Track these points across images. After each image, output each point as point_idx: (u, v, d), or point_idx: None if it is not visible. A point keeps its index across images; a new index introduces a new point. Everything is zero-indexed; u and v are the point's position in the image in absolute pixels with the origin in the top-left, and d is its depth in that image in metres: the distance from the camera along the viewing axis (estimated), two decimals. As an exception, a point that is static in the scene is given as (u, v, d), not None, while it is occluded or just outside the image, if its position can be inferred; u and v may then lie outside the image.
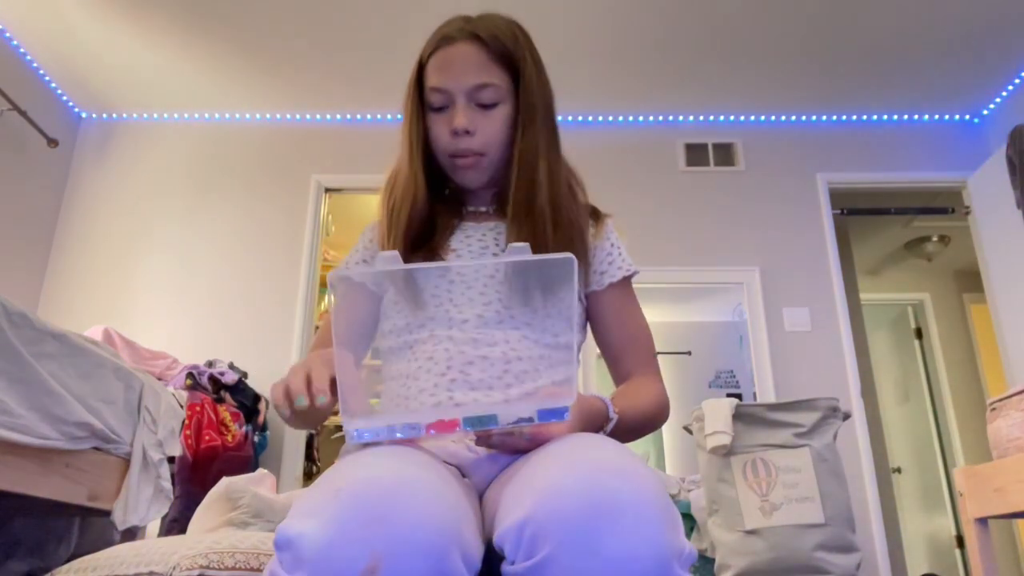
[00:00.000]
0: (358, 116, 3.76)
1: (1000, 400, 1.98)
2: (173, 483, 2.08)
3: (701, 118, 3.80)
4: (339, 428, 4.25)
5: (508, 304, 0.93)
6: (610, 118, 3.78)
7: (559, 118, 1.06)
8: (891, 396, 5.45)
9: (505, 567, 0.60)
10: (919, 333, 5.24)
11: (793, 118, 3.79)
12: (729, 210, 3.64)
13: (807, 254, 3.56)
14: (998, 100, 3.65)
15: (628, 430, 0.89)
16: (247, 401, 2.94)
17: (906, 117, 3.77)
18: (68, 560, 1.80)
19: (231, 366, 3.00)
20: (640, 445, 3.79)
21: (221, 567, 1.11)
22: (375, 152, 3.53)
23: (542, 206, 0.98)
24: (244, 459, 2.72)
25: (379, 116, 3.75)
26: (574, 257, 0.70)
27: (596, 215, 1.09)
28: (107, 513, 1.75)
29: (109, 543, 1.87)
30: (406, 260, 0.96)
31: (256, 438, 2.92)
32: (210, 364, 2.96)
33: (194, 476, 2.44)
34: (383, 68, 3.42)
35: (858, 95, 3.61)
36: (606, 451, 0.65)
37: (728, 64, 3.41)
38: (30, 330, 1.46)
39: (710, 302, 3.83)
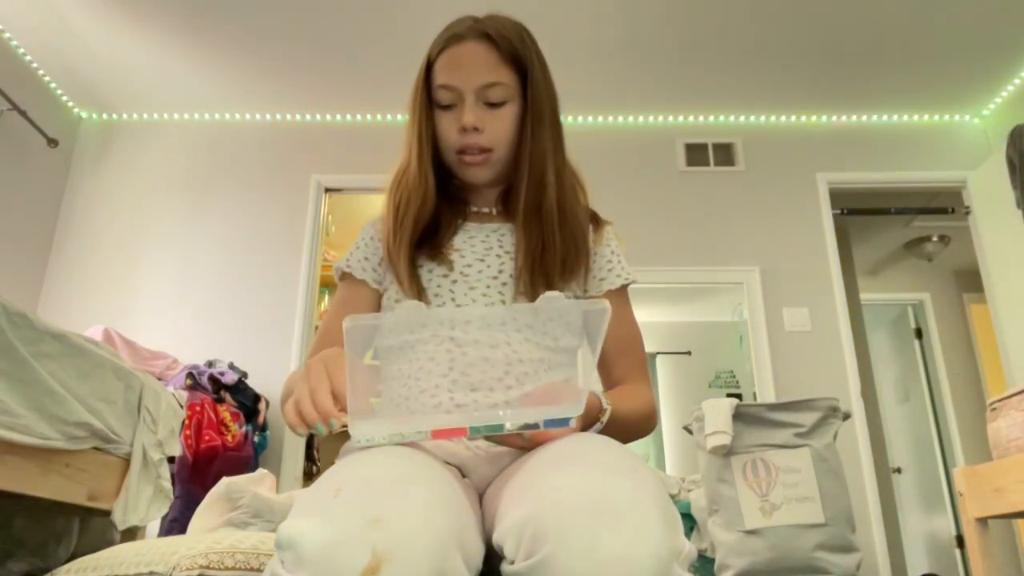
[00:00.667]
0: (358, 116, 3.76)
1: (1000, 400, 1.98)
2: (173, 483, 2.08)
3: (701, 118, 3.80)
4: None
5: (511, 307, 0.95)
6: (610, 118, 3.78)
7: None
8: (891, 396, 5.45)
9: (505, 566, 0.60)
10: (919, 333, 5.24)
11: (793, 118, 3.79)
12: (729, 210, 3.64)
13: (807, 254, 3.56)
14: (998, 100, 3.65)
15: (619, 429, 0.89)
16: (247, 401, 2.94)
17: (906, 117, 3.77)
18: (68, 560, 1.80)
19: (231, 366, 3.00)
20: (640, 445, 3.79)
21: (221, 567, 1.11)
22: (375, 152, 3.53)
23: (550, 206, 1.00)
24: (244, 459, 2.72)
25: (379, 116, 3.75)
26: (609, 306, 0.71)
27: (596, 220, 1.09)
28: (107, 513, 1.75)
29: (109, 543, 1.87)
30: (411, 257, 0.98)
31: (256, 438, 2.92)
32: (210, 364, 2.96)
33: (194, 476, 2.44)
34: (383, 68, 3.42)
35: (858, 95, 3.61)
36: (606, 451, 0.65)
37: (728, 64, 3.41)
38: (30, 330, 1.46)
39: (710, 302, 3.82)
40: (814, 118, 3.79)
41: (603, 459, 0.63)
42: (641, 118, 3.79)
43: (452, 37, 1.00)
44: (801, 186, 3.68)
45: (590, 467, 0.61)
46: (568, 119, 1.08)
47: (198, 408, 2.58)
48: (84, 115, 3.80)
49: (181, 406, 2.45)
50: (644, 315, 1.08)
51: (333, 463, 0.75)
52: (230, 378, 2.88)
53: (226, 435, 2.65)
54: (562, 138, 1.05)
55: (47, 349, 1.50)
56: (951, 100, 3.65)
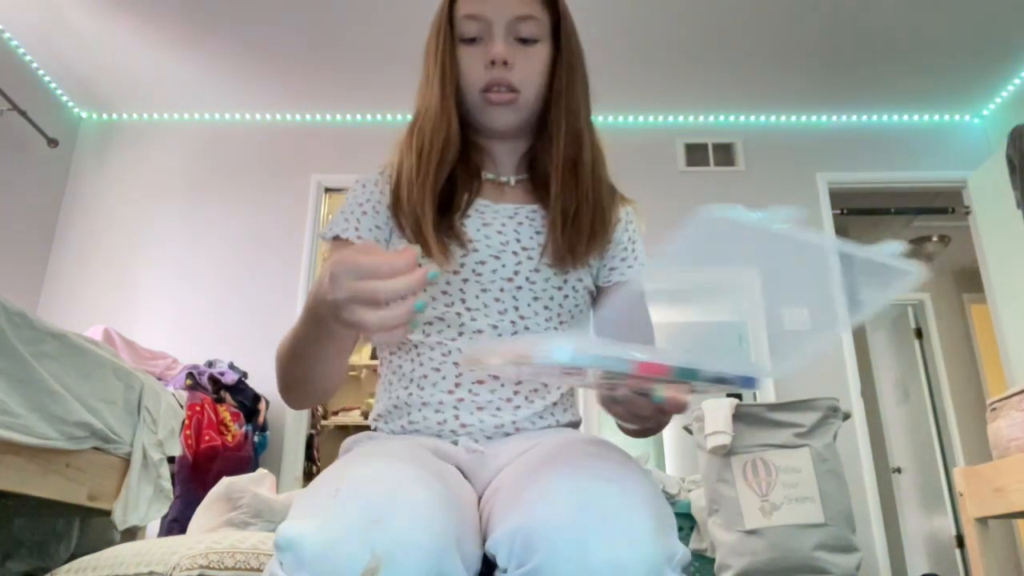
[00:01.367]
0: (358, 116, 3.76)
1: (1000, 400, 1.98)
2: (173, 483, 2.08)
3: (701, 118, 3.79)
4: (339, 428, 4.25)
5: (524, 314, 0.88)
6: (610, 118, 3.78)
7: None
8: (891, 396, 5.44)
9: (498, 574, 0.60)
10: (919, 333, 5.24)
11: (793, 118, 3.79)
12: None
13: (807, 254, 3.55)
14: (998, 100, 3.65)
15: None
16: (247, 401, 2.94)
17: (906, 117, 3.77)
18: (68, 560, 1.80)
19: (231, 366, 3.00)
20: (640, 445, 3.79)
21: (221, 567, 1.11)
22: (375, 152, 3.51)
23: (587, 162, 0.93)
24: (244, 459, 2.72)
25: (379, 116, 3.75)
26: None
27: (615, 194, 1.02)
28: (107, 513, 1.75)
29: (109, 543, 1.87)
30: (436, 205, 0.88)
31: (256, 438, 2.92)
32: (210, 364, 2.96)
33: (194, 476, 2.44)
34: (383, 68, 3.42)
35: (858, 95, 3.61)
36: (597, 457, 0.64)
37: (728, 64, 3.41)
38: (30, 330, 1.46)
39: (710, 302, 3.82)
40: (814, 118, 3.79)
41: (592, 464, 0.62)
42: (641, 118, 3.79)
43: None
44: (801, 186, 3.68)
45: (579, 474, 0.61)
46: (589, 86, 1.00)
47: (198, 408, 2.58)
48: (84, 115, 3.80)
49: (181, 406, 2.45)
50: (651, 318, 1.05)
51: (334, 461, 0.75)
52: (230, 378, 2.88)
53: (226, 435, 2.65)
54: (590, 100, 0.97)
55: (47, 349, 1.50)
56: (951, 100, 3.65)
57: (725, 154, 3.75)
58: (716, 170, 3.72)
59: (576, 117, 0.93)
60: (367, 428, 0.96)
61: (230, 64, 3.41)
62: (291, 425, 3.26)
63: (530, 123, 0.95)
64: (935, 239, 4.76)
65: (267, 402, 3.08)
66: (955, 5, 3.03)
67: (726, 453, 2.26)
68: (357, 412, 4.22)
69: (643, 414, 0.62)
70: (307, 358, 0.76)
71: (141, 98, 3.67)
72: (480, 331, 0.87)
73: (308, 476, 3.47)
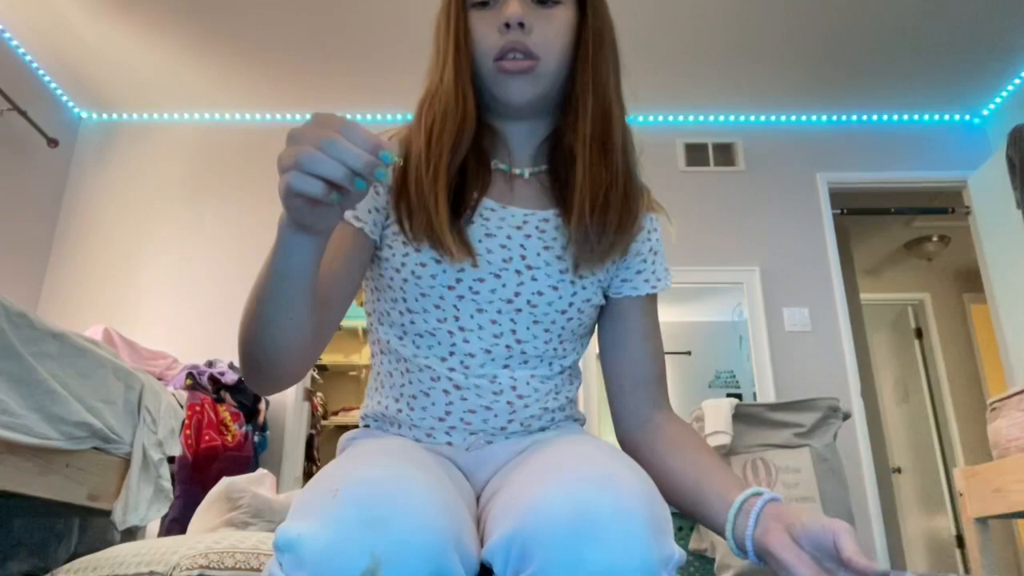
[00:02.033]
0: (358, 116, 3.76)
1: (1000, 400, 1.98)
2: (173, 483, 2.08)
3: (701, 118, 3.80)
4: (339, 428, 4.25)
5: (522, 338, 0.83)
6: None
7: None
8: (891, 396, 5.45)
9: None
10: (919, 333, 5.24)
11: (793, 118, 3.79)
12: (729, 210, 3.64)
13: (807, 254, 3.56)
14: (998, 100, 3.65)
15: None
16: (247, 401, 2.94)
17: (906, 117, 3.77)
18: (68, 560, 1.80)
19: (231, 366, 3.00)
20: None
21: (221, 567, 1.11)
22: (375, 152, 3.52)
23: (617, 142, 0.83)
24: (244, 459, 2.72)
25: (379, 116, 3.75)
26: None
27: (645, 195, 0.92)
28: (107, 513, 1.75)
29: (109, 543, 1.87)
30: (449, 188, 0.79)
31: (256, 438, 2.92)
32: (210, 364, 2.96)
33: (194, 476, 2.44)
34: (383, 68, 3.42)
35: (858, 95, 3.61)
36: (593, 460, 0.63)
37: (728, 64, 3.41)
38: (30, 330, 1.46)
39: (710, 302, 3.82)
40: (814, 118, 3.79)
41: (589, 470, 0.61)
42: (641, 118, 3.79)
43: None
44: (801, 186, 3.68)
45: (573, 479, 0.60)
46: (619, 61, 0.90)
47: (198, 408, 2.58)
48: (84, 115, 3.80)
49: (181, 406, 2.45)
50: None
51: (333, 459, 0.74)
52: (230, 378, 2.88)
53: (226, 435, 2.65)
54: (621, 77, 0.86)
55: (47, 349, 1.50)
56: (951, 100, 3.65)
57: (725, 154, 3.75)
58: (716, 170, 3.72)
59: (605, 90, 0.83)
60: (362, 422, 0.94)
61: (230, 64, 3.42)
62: (291, 425, 3.26)
63: (551, 99, 0.85)
64: (935, 239, 4.76)
65: (267, 402, 3.08)
66: (955, 5, 3.03)
67: (726, 453, 2.26)
68: (357, 412, 4.22)
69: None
70: (270, 293, 0.65)
71: (141, 98, 3.67)
72: (472, 355, 0.81)
73: (308, 476, 3.47)
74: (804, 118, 3.79)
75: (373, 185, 0.78)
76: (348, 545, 0.53)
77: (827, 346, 3.39)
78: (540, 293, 0.82)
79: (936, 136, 3.75)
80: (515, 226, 0.84)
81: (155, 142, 3.76)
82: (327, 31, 3.19)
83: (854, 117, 3.77)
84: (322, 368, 4.49)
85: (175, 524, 2.34)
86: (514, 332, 0.82)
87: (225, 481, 1.63)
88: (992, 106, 3.69)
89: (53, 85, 3.56)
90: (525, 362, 0.83)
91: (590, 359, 3.20)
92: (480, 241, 0.82)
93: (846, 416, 2.33)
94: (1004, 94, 3.60)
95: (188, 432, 2.48)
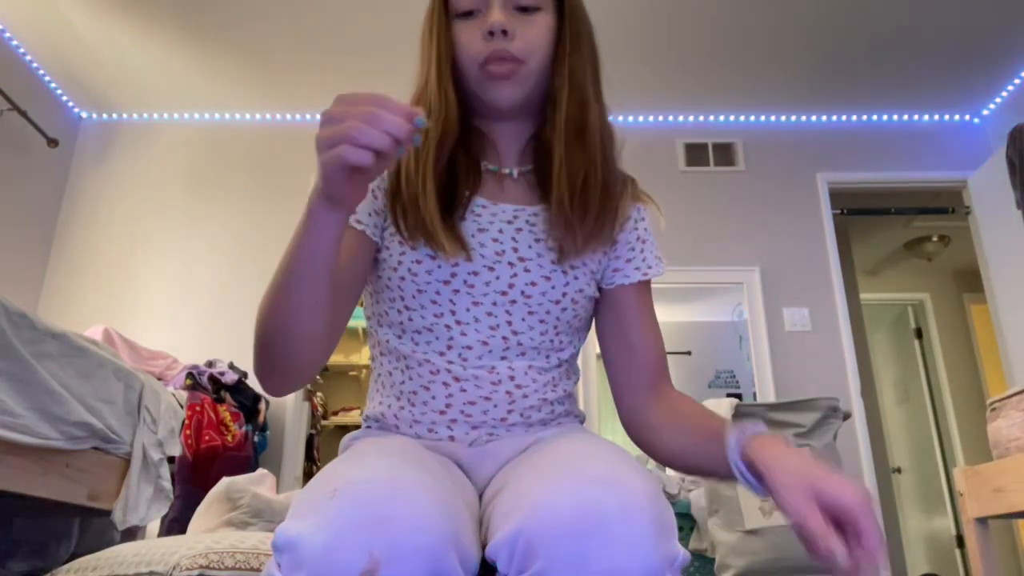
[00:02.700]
0: (358, 116, 3.76)
1: (1000, 400, 1.98)
2: (173, 483, 2.09)
3: (701, 118, 3.80)
4: (339, 428, 4.25)
5: (517, 329, 0.84)
6: (610, 118, 3.78)
7: None
8: (891, 396, 5.45)
9: None
10: (919, 333, 5.24)
11: (793, 118, 3.79)
12: (729, 210, 3.64)
13: (807, 254, 3.56)
14: (998, 100, 3.65)
15: None
16: (247, 401, 2.94)
17: (906, 117, 3.77)
18: (68, 560, 1.80)
19: (231, 366, 3.00)
20: (640, 445, 3.79)
21: (221, 567, 1.11)
22: (375, 152, 3.52)
23: (595, 126, 0.87)
24: (244, 459, 2.72)
25: (379, 116, 3.75)
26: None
27: (629, 184, 0.95)
28: (107, 513, 1.75)
29: (109, 543, 1.87)
30: (438, 189, 0.83)
31: (256, 438, 2.92)
32: (210, 364, 2.96)
33: (194, 476, 2.44)
34: (383, 68, 3.41)
35: (858, 95, 3.61)
36: (597, 459, 0.64)
37: (728, 64, 3.41)
38: (30, 330, 1.46)
39: (710, 302, 3.82)
40: (814, 118, 3.79)
41: (594, 468, 0.61)
42: (641, 118, 3.79)
43: None
44: (801, 186, 3.68)
45: (579, 478, 0.60)
46: (599, 63, 0.97)
47: (198, 408, 2.58)
48: (84, 115, 3.80)
49: (181, 406, 2.45)
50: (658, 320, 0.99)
51: (334, 459, 0.74)
52: (230, 378, 2.88)
53: (226, 435, 2.65)
54: (600, 76, 0.92)
55: (47, 349, 1.51)
56: (951, 100, 3.65)
57: (725, 154, 3.75)
58: (716, 170, 3.72)
59: (582, 81, 0.87)
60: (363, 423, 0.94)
61: (230, 64, 3.42)
62: (291, 425, 3.26)
63: (534, 101, 0.88)
64: (935, 239, 4.76)
65: (267, 402, 3.08)
66: (955, 5, 3.03)
67: (726, 453, 2.26)
68: (357, 412, 4.22)
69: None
70: (297, 274, 0.72)
71: (141, 98, 3.67)
72: (470, 347, 0.83)
73: (308, 476, 3.47)
74: (804, 118, 3.79)
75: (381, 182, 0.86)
76: (346, 545, 0.53)
77: (827, 346, 3.39)
78: (533, 284, 0.84)
79: (936, 136, 3.75)
80: (506, 220, 0.86)
81: (155, 142, 3.76)
82: (327, 31, 3.19)
83: (854, 117, 3.77)
84: (322, 368, 4.49)
85: (175, 524, 2.34)
86: (510, 324, 0.84)
87: (225, 481, 1.63)
88: (992, 106, 3.69)
89: (53, 85, 3.56)
90: (522, 354, 0.84)
91: (591, 360, 3.20)
92: (473, 236, 0.84)
93: (846, 416, 2.33)
94: (1004, 94, 3.60)
95: (188, 432, 2.48)
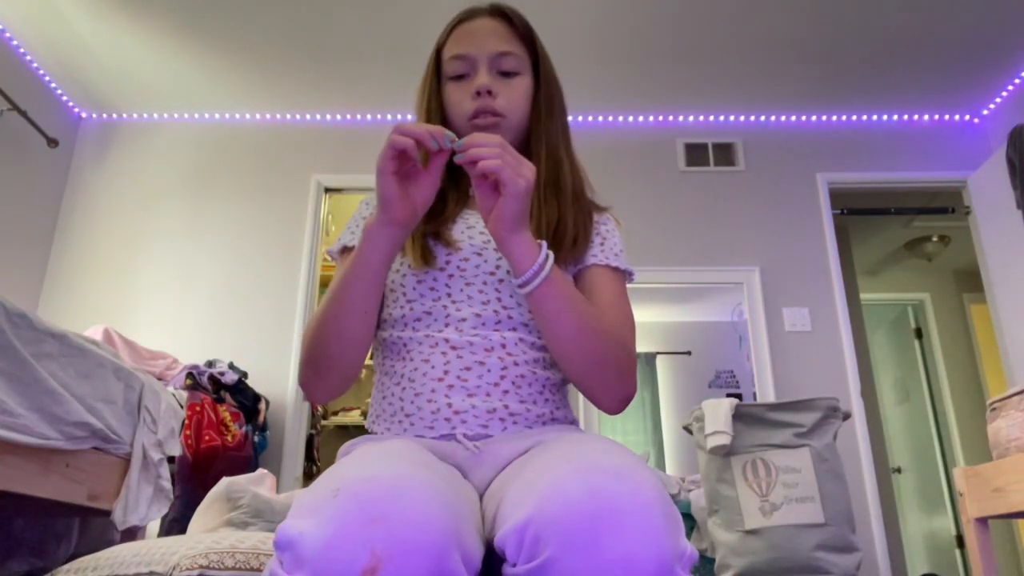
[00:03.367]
0: (358, 116, 3.76)
1: (1000, 400, 1.98)
2: (173, 483, 2.08)
3: (701, 118, 3.80)
4: (339, 428, 4.25)
5: (507, 304, 0.93)
6: (610, 118, 3.78)
7: None
8: (891, 396, 5.45)
9: (507, 569, 0.60)
10: (919, 333, 5.24)
11: (793, 118, 3.79)
12: (729, 210, 3.64)
13: (807, 254, 3.56)
14: (998, 100, 3.65)
15: (561, 309, 0.84)
16: (247, 401, 2.94)
17: (906, 117, 3.77)
18: (68, 560, 1.80)
19: (231, 366, 3.01)
20: (640, 446, 3.79)
21: (221, 567, 1.11)
22: (375, 152, 3.52)
23: (566, 182, 1.01)
24: (244, 459, 2.72)
25: (379, 116, 3.75)
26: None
27: (596, 208, 1.09)
28: (107, 513, 1.75)
29: (109, 543, 1.87)
30: (419, 232, 0.97)
31: (256, 438, 2.92)
32: (210, 364, 2.96)
33: (194, 476, 2.44)
34: (383, 68, 3.42)
35: (858, 95, 3.62)
36: (606, 454, 0.65)
37: (728, 64, 3.41)
38: (30, 330, 1.46)
39: (710, 302, 3.82)
40: (814, 118, 3.79)
41: (605, 461, 0.62)
42: (641, 118, 3.79)
43: (465, 14, 1.04)
44: (801, 186, 3.68)
45: (591, 469, 0.61)
46: (568, 119, 1.10)
47: (198, 408, 2.58)
48: (84, 115, 3.80)
49: (181, 406, 2.45)
50: (644, 315, 1.05)
51: (333, 462, 0.75)
52: (230, 378, 2.88)
53: (226, 435, 2.65)
54: (569, 130, 1.07)
55: (47, 349, 1.51)
56: (951, 100, 3.65)
57: (725, 154, 3.75)
58: (716, 170, 3.72)
59: (555, 142, 1.02)
60: (366, 429, 0.97)
61: (230, 64, 3.42)
62: (291, 425, 3.26)
63: (516, 145, 1.02)
64: (935, 239, 4.76)
65: (267, 402, 3.08)
66: (955, 5, 3.03)
67: (726, 453, 2.26)
68: (357, 412, 4.22)
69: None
70: (351, 287, 0.86)
71: (141, 98, 3.67)
72: (464, 319, 0.92)
73: (308, 476, 3.47)
74: (804, 118, 3.79)
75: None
76: (348, 542, 0.53)
77: (827, 346, 3.39)
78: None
79: (936, 136, 3.75)
80: None
81: (155, 142, 3.76)
82: (327, 31, 3.19)
83: (854, 117, 3.78)
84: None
85: (175, 524, 2.34)
86: (499, 300, 0.93)
87: (225, 481, 1.63)
88: (992, 106, 3.69)
89: (53, 85, 3.56)
90: (513, 328, 0.92)
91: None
92: (462, 232, 0.99)
93: (846, 416, 2.33)
94: (1004, 94, 3.60)
95: (188, 432, 2.48)
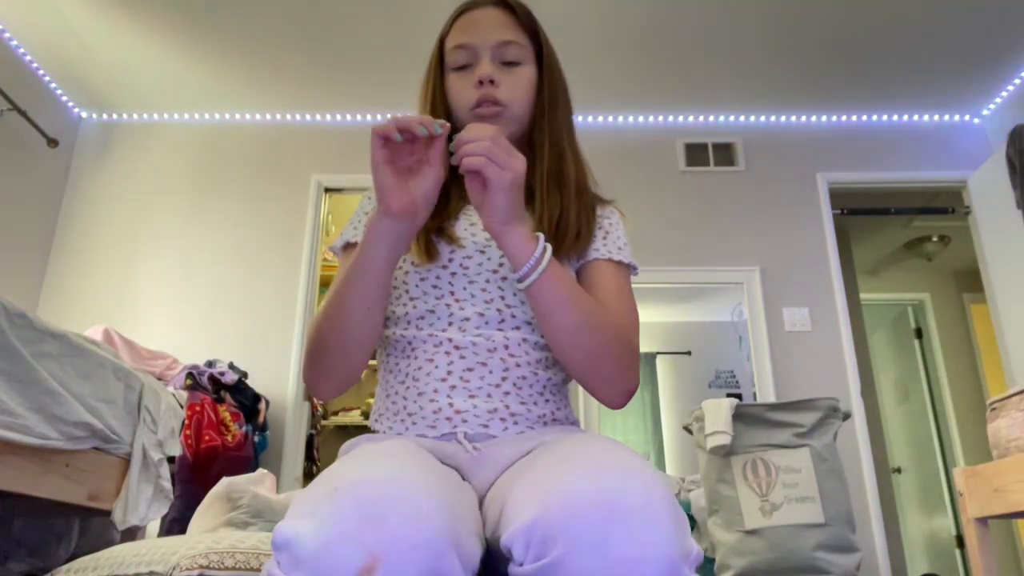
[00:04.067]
0: (358, 116, 3.76)
1: (1000, 400, 1.98)
2: (173, 483, 2.08)
3: (701, 118, 3.80)
4: (339, 428, 4.25)
5: (510, 303, 0.92)
6: (610, 118, 3.78)
7: None
8: (891, 396, 5.45)
9: (513, 568, 0.60)
10: (919, 333, 5.24)
11: (793, 118, 3.79)
12: (729, 210, 3.64)
13: (807, 254, 3.56)
14: (998, 100, 3.65)
15: (559, 303, 0.83)
16: (247, 401, 2.94)
17: (906, 117, 3.77)
18: (68, 560, 1.80)
19: (231, 366, 3.01)
20: (640, 446, 3.80)
21: (221, 567, 1.11)
22: (375, 152, 3.52)
23: (570, 176, 0.99)
24: (244, 459, 2.72)
25: (379, 116, 3.75)
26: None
27: (599, 201, 1.08)
28: (107, 513, 1.76)
29: (109, 543, 1.87)
30: (422, 228, 0.93)
31: (256, 438, 2.92)
32: (210, 364, 2.96)
33: (194, 476, 2.44)
34: (383, 68, 3.42)
35: (858, 95, 3.61)
36: (612, 454, 0.65)
37: (728, 64, 3.41)
38: (30, 330, 1.46)
39: (710, 302, 3.82)
40: (814, 118, 3.79)
41: (612, 460, 0.62)
42: (641, 118, 3.79)
43: (468, 4, 1.03)
44: (801, 186, 3.68)
45: (599, 468, 0.61)
46: (573, 112, 1.09)
47: (198, 408, 2.58)
48: (84, 115, 3.80)
49: (181, 406, 2.45)
50: (644, 315, 1.04)
51: (333, 462, 0.75)
52: (230, 378, 2.88)
53: (226, 435, 2.65)
54: (573, 123, 1.06)
55: (47, 349, 1.50)
56: (951, 100, 3.65)
57: (725, 154, 3.75)
58: (716, 170, 3.72)
59: (559, 134, 1.01)
60: (367, 428, 0.97)
61: (230, 64, 3.42)
62: (291, 425, 3.26)
63: (517, 140, 1.00)
64: (935, 239, 4.76)
65: (267, 402, 3.08)
66: (955, 5, 3.03)
67: (726, 453, 2.26)
68: (357, 412, 4.22)
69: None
70: (352, 284, 0.85)
71: (141, 98, 3.67)
72: (468, 318, 0.91)
73: (308, 476, 3.47)
74: (804, 118, 3.79)
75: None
76: (345, 542, 0.53)
77: (827, 346, 3.39)
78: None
79: (936, 136, 3.75)
80: None
81: (155, 142, 3.76)
82: (327, 31, 3.19)
83: (854, 117, 3.77)
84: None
85: (175, 524, 2.34)
86: (503, 298, 0.93)
87: (225, 481, 1.63)
88: (992, 106, 3.69)
89: (53, 85, 3.56)
90: (516, 328, 0.92)
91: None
92: (465, 229, 0.98)
93: (846, 416, 2.33)
94: (1004, 94, 3.60)
95: (188, 432, 2.48)
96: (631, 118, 3.79)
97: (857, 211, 3.83)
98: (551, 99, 1.02)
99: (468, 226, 0.98)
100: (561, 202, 0.97)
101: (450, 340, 0.90)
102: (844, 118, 3.78)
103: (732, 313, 3.70)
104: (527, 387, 0.90)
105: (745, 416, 2.29)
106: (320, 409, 4.05)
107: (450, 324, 0.91)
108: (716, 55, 3.35)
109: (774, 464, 2.22)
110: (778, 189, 3.67)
